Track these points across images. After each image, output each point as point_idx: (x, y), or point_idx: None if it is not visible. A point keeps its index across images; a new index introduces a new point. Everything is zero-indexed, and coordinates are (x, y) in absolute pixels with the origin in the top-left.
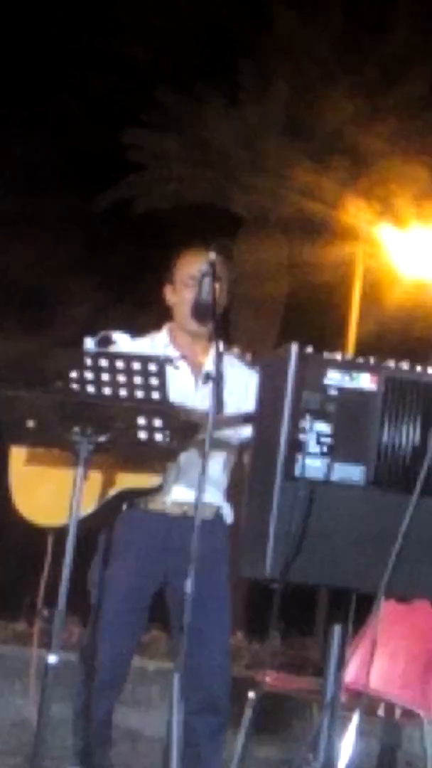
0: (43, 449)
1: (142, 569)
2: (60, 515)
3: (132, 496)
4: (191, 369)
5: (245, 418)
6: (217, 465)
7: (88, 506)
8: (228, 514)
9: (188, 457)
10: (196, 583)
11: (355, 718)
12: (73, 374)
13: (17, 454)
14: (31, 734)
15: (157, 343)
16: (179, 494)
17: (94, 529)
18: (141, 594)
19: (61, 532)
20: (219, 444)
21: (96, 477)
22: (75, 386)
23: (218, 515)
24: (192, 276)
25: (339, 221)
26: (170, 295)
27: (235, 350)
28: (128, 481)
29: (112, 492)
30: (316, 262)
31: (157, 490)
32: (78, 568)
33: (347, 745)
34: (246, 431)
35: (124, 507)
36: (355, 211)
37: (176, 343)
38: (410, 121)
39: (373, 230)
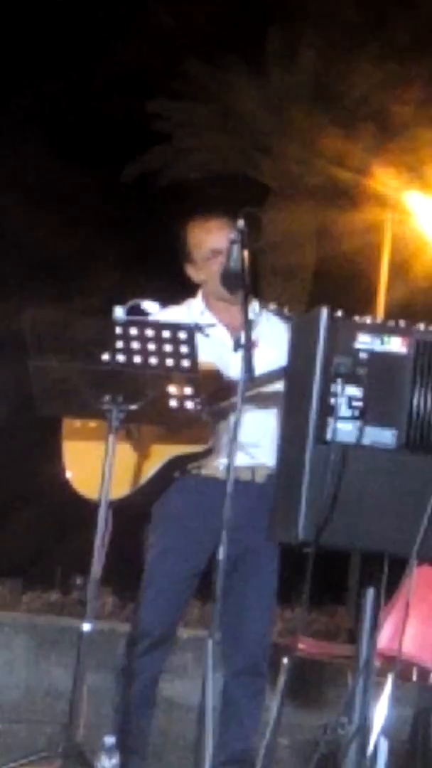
0: (93, 423)
1: (197, 535)
2: (118, 488)
3: (182, 463)
4: (231, 334)
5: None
6: (269, 422)
7: (142, 477)
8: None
9: (247, 424)
10: (242, 548)
11: (389, 683)
12: (101, 327)
13: (70, 429)
14: (65, 703)
15: (193, 310)
16: (237, 459)
17: (146, 501)
18: (195, 560)
19: (116, 505)
20: (269, 399)
21: (147, 448)
22: (105, 356)
23: (272, 477)
24: (213, 249)
25: (367, 188)
26: (194, 273)
27: (272, 306)
28: (174, 450)
29: (162, 460)
30: (344, 229)
31: (207, 454)
32: (133, 539)
33: (381, 709)
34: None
35: (177, 475)
36: (384, 178)
37: (212, 309)
38: None
39: (402, 197)
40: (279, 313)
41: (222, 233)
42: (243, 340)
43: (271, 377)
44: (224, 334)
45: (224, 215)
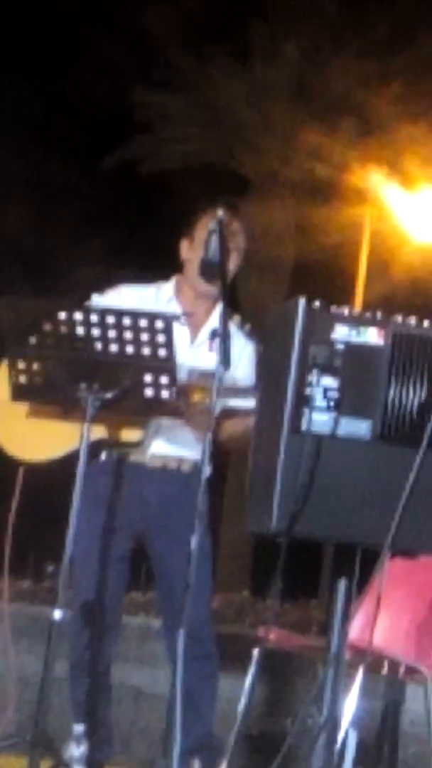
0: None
1: (121, 518)
2: (37, 451)
3: (111, 446)
4: (189, 327)
5: (247, 390)
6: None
7: (64, 449)
8: (207, 469)
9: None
10: (176, 537)
11: (359, 675)
12: (80, 331)
13: (3, 383)
14: (34, 691)
15: (162, 294)
16: (159, 447)
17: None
18: (121, 542)
19: (33, 469)
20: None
21: (77, 423)
22: (81, 343)
23: (197, 469)
24: (199, 240)
25: (347, 183)
26: (186, 250)
27: (236, 318)
28: (109, 432)
29: (92, 439)
30: (323, 224)
31: (137, 444)
32: (51, 515)
33: (351, 702)
34: (239, 402)
35: (103, 457)
36: (363, 174)
37: (180, 297)
38: (419, 84)
39: (381, 193)
40: (240, 326)
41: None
42: (220, 330)
43: (235, 392)
44: (183, 327)
45: (238, 212)
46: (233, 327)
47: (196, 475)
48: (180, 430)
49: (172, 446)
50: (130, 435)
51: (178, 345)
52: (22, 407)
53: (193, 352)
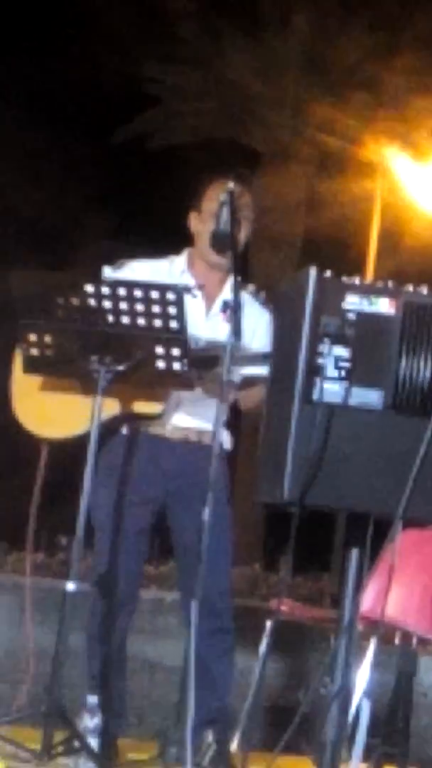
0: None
1: (142, 492)
2: (58, 427)
3: (132, 419)
4: (204, 298)
5: (263, 357)
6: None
7: (87, 426)
8: (227, 441)
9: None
10: (195, 508)
11: (372, 646)
12: (92, 303)
13: (20, 361)
14: (48, 663)
15: (174, 267)
16: (180, 420)
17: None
18: (141, 515)
19: (56, 445)
20: (232, 381)
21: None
22: (92, 315)
23: (218, 441)
24: (208, 211)
25: (358, 156)
26: (195, 222)
27: (250, 288)
28: (131, 405)
29: (112, 413)
30: (334, 198)
31: (157, 417)
32: (70, 487)
33: (363, 673)
34: (260, 370)
35: (124, 431)
36: (374, 147)
37: (193, 270)
38: (430, 56)
39: (392, 165)
40: (255, 295)
41: (239, 198)
42: (232, 302)
43: (251, 359)
44: (198, 298)
45: (248, 184)
46: (248, 297)
47: (217, 447)
48: (201, 402)
49: (193, 419)
50: (150, 408)
51: (193, 317)
52: (42, 385)
53: (209, 324)
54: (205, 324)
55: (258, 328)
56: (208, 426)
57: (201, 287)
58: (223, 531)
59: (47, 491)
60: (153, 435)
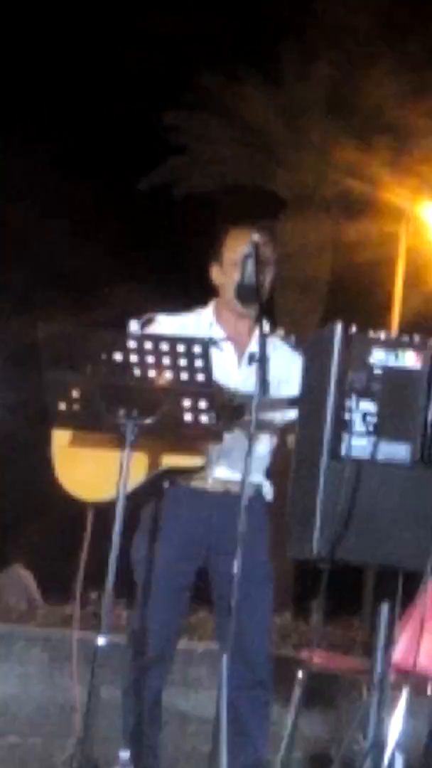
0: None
1: (184, 547)
2: (102, 490)
3: (174, 474)
4: (235, 349)
5: (290, 401)
6: (260, 444)
7: (132, 484)
8: (268, 492)
9: (231, 437)
10: (247, 561)
11: (404, 697)
12: (118, 357)
13: (59, 433)
14: (80, 717)
15: (202, 319)
16: (221, 473)
17: (134, 508)
18: (184, 572)
19: (101, 508)
20: (264, 425)
21: (139, 456)
22: (118, 367)
23: (259, 493)
24: (230, 259)
25: (382, 200)
26: (217, 275)
27: (280, 332)
28: (171, 460)
29: (155, 470)
30: (359, 241)
31: (200, 470)
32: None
33: (396, 724)
34: (291, 414)
35: (166, 485)
36: (399, 190)
37: (221, 321)
38: None
39: (417, 208)
40: (287, 339)
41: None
42: (257, 354)
43: (276, 403)
44: (229, 348)
45: (259, 228)
46: (278, 341)
47: (260, 499)
48: (242, 453)
49: (234, 471)
50: (191, 461)
51: (226, 368)
52: (83, 450)
53: (242, 374)
54: (237, 374)
55: (292, 372)
56: (252, 477)
57: (229, 339)
58: (264, 584)
59: (78, 541)
60: (194, 489)
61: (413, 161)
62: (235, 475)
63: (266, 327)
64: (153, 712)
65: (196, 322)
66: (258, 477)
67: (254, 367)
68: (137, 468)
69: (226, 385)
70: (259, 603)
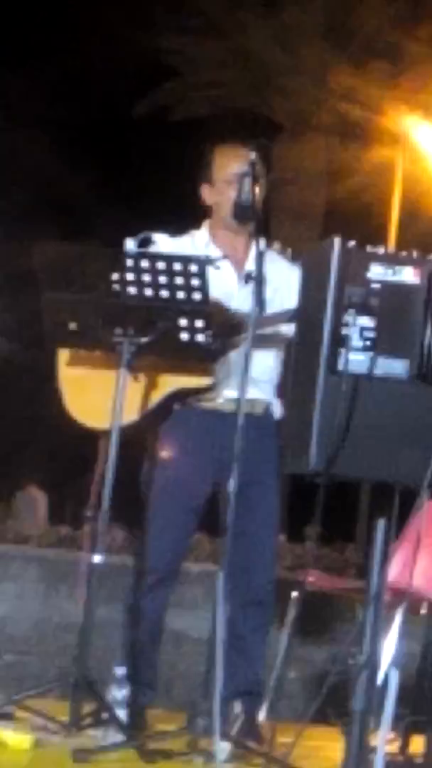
0: (89, 352)
1: (195, 467)
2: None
3: (183, 395)
4: (234, 267)
5: (290, 315)
6: (268, 361)
7: (142, 408)
8: (277, 410)
9: (240, 356)
10: (246, 479)
11: (399, 616)
12: (115, 276)
13: (65, 358)
14: (75, 636)
15: (197, 241)
16: (231, 392)
17: (147, 432)
18: (197, 493)
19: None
20: (269, 340)
21: (148, 380)
22: (116, 287)
23: (268, 411)
24: (235, 173)
25: (379, 126)
26: (209, 194)
27: (277, 246)
28: (179, 381)
29: (164, 392)
30: (356, 167)
31: (208, 389)
32: (129, 471)
33: (390, 643)
34: (293, 327)
35: (176, 407)
36: (396, 115)
37: (217, 241)
38: None
39: (414, 134)
40: (282, 253)
41: (246, 161)
42: (255, 272)
43: (276, 318)
44: (228, 267)
45: (250, 146)
46: (275, 255)
47: (268, 417)
48: (253, 371)
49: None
50: (200, 381)
51: (227, 286)
52: (91, 380)
53: (243, 292)
54: (238, 294)
55: (292, 283)
56: (259, 395)
57: (226, 257)
58: (270, 505)
59: (78, 465)
60: (205, 409)
61: (410, 87)
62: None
63: (262, 243)
64: (155, 630)
65: (192, 244)
66: (267, 394)
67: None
68: (147, 393)
69: (226, 304)
70: (267, 521)
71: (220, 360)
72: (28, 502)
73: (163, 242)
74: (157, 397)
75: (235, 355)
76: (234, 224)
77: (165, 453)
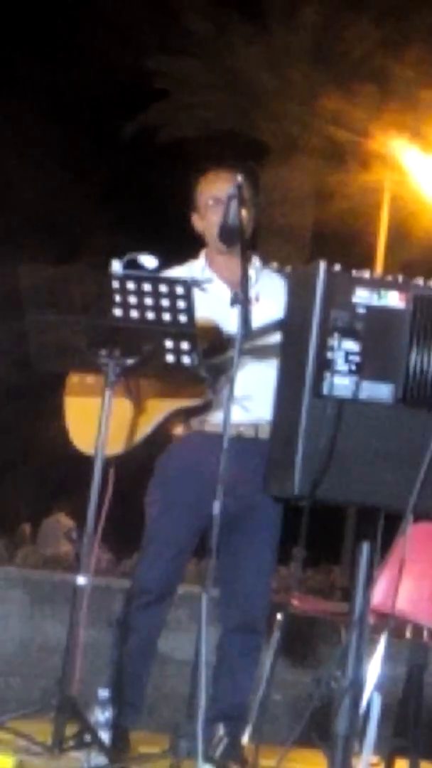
0: (92, 380)
1: (199, 492)
2: (115, 445)
3: (181, 417)
4: (230, 289)
5: (278, 325)
6: (269, 373)
7: (139, 434)
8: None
9: (244, 377)
10: (247, 504)
11: (383, 639)
12: (100, 298)
13: (71, 385)
14: (59, 658)
15: (195, 268)
16: (234, 415)
17: (148, 456)
18: (197, 517)
19: (119, 460)
20: (267, 351)
21: (145, 404)
22: (101, 309)
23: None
24: (215, 197)
25: (366, 149)
26: (197, 222)
27: (273, 265)
28: (174, 403)
29: (160, 416)
30: (343, 190)
31: (205, 408)
32: (130, 498)
33: (374, 666)
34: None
35: (180, 431)
36: (383, 139)
37: (214, 266)
38: None
39: (401, 157)
40: (280, 271)
41: (226, 184)
42: (240, 295)
43: (266, 330)
44: (223, 289)
45: (234, 169)
46: (273, 273)
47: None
48: (255, 394)
49: (247, 412)
50: (192, 402)
51: (220, 307)
52: (92, 407)
53: (235, 312)
54: (231, 313)
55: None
56: (263, 416)
57: (223, 280)
58: (269, 532)
59: (60, 484)
60: (207, 433)
61: (397, 110)
62: (248, 417)
63: (257, 261)
64: (146, 650)
65: (189, 272)
66: (268, 413)
67: (249, 305)
68: (144, 417)
69: (220, 326)
70: (263, 547)
71: (218, 380)
72: (55, 528)
73: (152, 266)
74: (149, 423)
75: (240, 377)
76: (223, 247)
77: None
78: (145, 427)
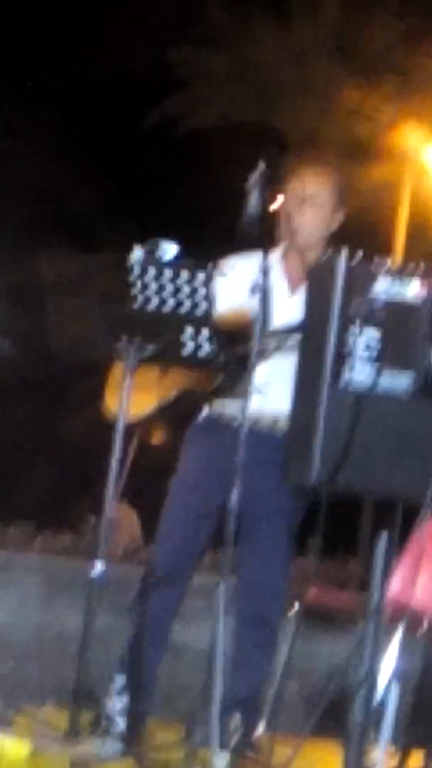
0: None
1: (215, 476)
2: (138, 409)
3: (194, 398)
4: (287, 283)
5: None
6: (287, 363)
7: (149, 405)
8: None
9: (264, 367)
10: (264, 495)
11: (399, 633)
12: (121, 285)
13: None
14: (76, 645)
15: (265, 258)
16: (254, 402)
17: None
18: (211, 500)
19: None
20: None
21: (168, 377)
22: (122, 296)
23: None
24: (301, 197)
25: (386, 143)
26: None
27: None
28: (185, 382)
29: (173, 392)
30: (363, 184)
31: (220, 391)
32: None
33: (391, 658)
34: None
35: (203, 414)
36: (404, 132)
37: (285, 258)
38: None
39: (422, 151)
40: None
41: (316, 185)
42: (260, 285)
43: (290, 330)
44: (281, 283)
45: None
46: None
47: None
48: (277, 384)
49: (268, 401)
50: (208, 383)
51: (277, 301)
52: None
53: (287, 305)
54: (283, 305)
55: None
56: (284, 408)
57: (286, 273)
58: (285, 521)
59: (84, 471)
60: (228, 418)
61: (418, 104)
62: (269, 406)
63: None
64: (158, 635)
65: (249, 263)
66: (285, 402)
67: (301, 296)
68: (159, 391)
69: (271, 318)
70: (279, 538)
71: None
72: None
73: (173, 253)
74: (165, 396)
75: (263, 368)
76: (292, 243)
77: (185, 460)
78: (156, 402)
